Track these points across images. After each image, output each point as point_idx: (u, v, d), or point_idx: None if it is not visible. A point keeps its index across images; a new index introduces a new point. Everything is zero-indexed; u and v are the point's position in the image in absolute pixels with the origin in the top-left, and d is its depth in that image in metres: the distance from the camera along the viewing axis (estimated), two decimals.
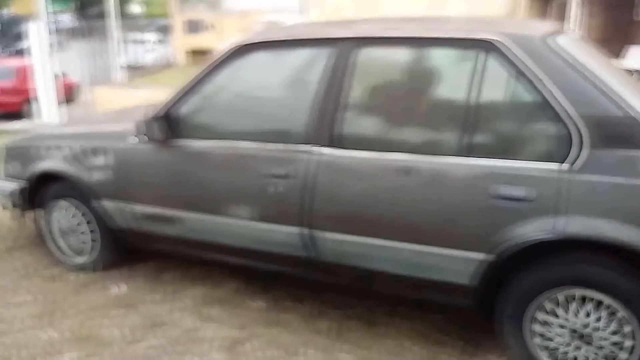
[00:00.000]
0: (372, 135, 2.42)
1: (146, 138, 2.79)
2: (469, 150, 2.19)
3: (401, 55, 2.42)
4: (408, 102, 2.39)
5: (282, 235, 2.53)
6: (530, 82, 2.11)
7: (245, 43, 2.64)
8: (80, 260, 3.32)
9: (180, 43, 17.23)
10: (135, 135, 2.86)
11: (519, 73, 2.13)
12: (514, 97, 2.19)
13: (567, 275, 2.12)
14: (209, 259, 2.95)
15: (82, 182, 3.05)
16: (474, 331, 2.66)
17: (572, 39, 2.40)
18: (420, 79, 2.40)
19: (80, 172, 3.05)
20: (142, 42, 16.26)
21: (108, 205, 3.01)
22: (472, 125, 2.20)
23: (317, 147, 2.43)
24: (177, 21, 17.41)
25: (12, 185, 3.37)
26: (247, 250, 2.70)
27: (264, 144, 2.55)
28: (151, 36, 16.62)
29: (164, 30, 17.72)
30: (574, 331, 2.15)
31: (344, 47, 2.42)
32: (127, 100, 8.83)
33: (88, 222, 3.20)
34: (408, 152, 2.28)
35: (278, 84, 2.70)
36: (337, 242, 2.43)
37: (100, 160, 2.97)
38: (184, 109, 2.75)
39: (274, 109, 2.63)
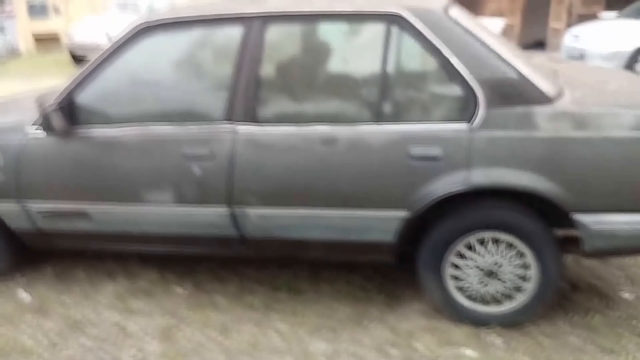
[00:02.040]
0: (291, 109, 2.49)
1: (47, 129, 2.60)
2: (385, 117, 2.36)
3: (313, 29, 2.51)
4: (322, 75, 2.50)
5: (209, 216, 2.53)
6: (432, 50, 2.32)
7: (147, 23, 2.56)
8: None
9: (24, 29, 15.70)
10: (34, 127, 2.67)
11: (422, 42, 2.33)
12: (420, 65, 2.40)
13: (478, 221, 2.38)
14: (128, 250, 2.86)
15: None
16: (393, 285, 2.88)
17: (461, 11, 2.65)
18: (332, 52, 2.52)
19: None
20: None
21: (5, 206, 2.78)
22: (385, 94, 2.36)
23: (237, 125, 2.46)
24: (18, 5, 15.81)
25: None
26: (172, 236, 2.66)
27: (181, 125, 2.51)
28: None
29: (2, 15, 16.05)
30: (486, 270, 2.43)
31: (255, 24, 2.45)
32: None
33: None
34: (327, 123, 2.40)
35: (188, 64, 2.65)
36: (265, 217, 2.49)
37: None
38: (87, 95, 2.60)
39: (187, 89, 2.58)
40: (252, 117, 2.45)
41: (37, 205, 2.73)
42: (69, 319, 2.70)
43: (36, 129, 2.67)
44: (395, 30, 2.35)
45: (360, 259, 2.63)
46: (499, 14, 12.10)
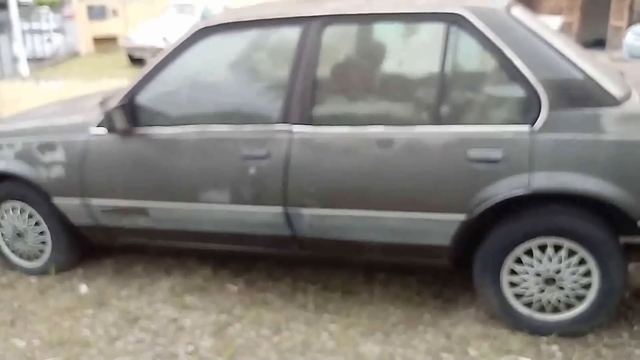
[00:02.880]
0: (348, 110, 2.49)
1: (110, 129, 2.69)
2: (444, 119, 2.32)
3: (371, 30, 2.50)
4: (381, 76, 2.49)
5: (264, 215, 2.56)
6: (494, 51, 2.26)
7: (206, 25, 2.61)
8: (37, 263, 3.16)
9: (84, 31, 16.30)
10: (97, 127, 2.76)
11: (483, 43, 2.28)
12: (481, 66, 2.35)
13: (540, 227, 2.31)
14: (185, 247, 2.92)
15: (36, 181, 2.90)
16: (450, 289, 2.83)
17: (523, 11, 2.58)
18: (390, 53, 2.50)
19: (33, 170, 2.89)
20: (40, 31, 15.30)
21: (68, 202, 2.88)
22: (444, 95, 2.32)
23: (295, 126, 2.47)
24: (79, 7, 16.44)
25: None
26: (227, 235, 2.70)
27: (239, 126, 2.55)
28: (50, 25, 15.64)
29: (63, 17, 16.75)
30: (545, 277, 2.36)
31: (313, 25, 2.45)
32: (36, 96, 8.32)
33: (41, 223, 3.05)
34: (385, 124, 2.38)
35: (246, 66, 2.69)
36: (320, 217, 2.49)
37: (56, 156, 2.83)
38: (148, 96, 2.67)
39: (245, 90, 2.63)
40: (308, 119, 2.45)
41: (98, 202, 2.82)
42: (127, 312, 2.79)
43: (99, 129, 2.76)
44: (455, 30, 2.30)
45: (416, 262, 2.60)
46: (557, 11, 11.75)
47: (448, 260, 2.48)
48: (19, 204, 3.04)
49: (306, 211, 2.49)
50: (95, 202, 2.83)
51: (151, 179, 2.69)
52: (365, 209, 2.42)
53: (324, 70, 2.48)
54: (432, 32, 2.36)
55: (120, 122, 2.62)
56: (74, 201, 2.86)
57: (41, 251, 3.13)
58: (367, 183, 2.39)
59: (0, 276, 3.20)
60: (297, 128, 2.46)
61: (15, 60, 12.58)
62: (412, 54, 2.51)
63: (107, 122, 2.68)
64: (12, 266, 3.22)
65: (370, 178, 2.38)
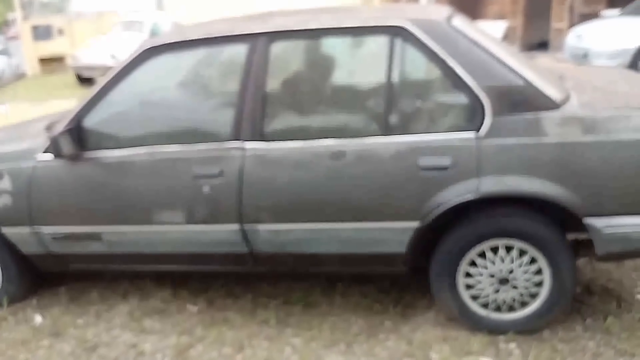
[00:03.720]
0: (298, 125, 2.50)
1: (57, 154, 2.62)
2: (393, 129, 2.36)
3: (317, 45, 2.53)
4: (329, 90, 2.52)
5: (220, 234, 2.54)
6: (437, 61, 2.32)
7: (152, 45, 2.59)
8: None
9: (30, 51, 15.85)
10: (44, 153, 2.69)
11: (426, 54, 2.34)
12: (425, 76, 2.40)
13: (491, 229, 2.37)
14: (142, 270, 2.87)
15: None
16: (408, 295, 2.87)
17: (464, 20, 2.65)
18: (337, 67, 2.53)
19: None
20: None
21: (16, 232, 2.80)
22: (392, 106, 2.37)
23: (246, 142, 2.47)
24: (24, 28, 15.97)
25: None
26: (184, 255, 2.67)
27: (190, 145, 2.53)
28: None
29: (7, 39, 16.29)
30: (500, 277, 2.42)
31: (259, 41, 2.47)
32: None
33: None
34: (336, 137, 2.40)
35: (195, 84, 2.68)
36: (277, 232, 2.49)
37: (2, 185, 2.74)
38: (95, 118, 2.62)
39: (195, 109, 2.62)
40: (259, 135, 2.46)
41: (49, 229, 2.75)
42: (84, 341, 2.71)
43: (46, 155, 2.69)
44: (399, 42, 2.36)
45: (374, 271, 2.63)
46: (500, 16, 12.11)
47: (405, 267, 2.51)
48: None
49: (262, 227, 2.49)
50: (45, 229, 2.75)
51: (103, 203, 2.63)
52: (320, 221, 2.44)
53: (273, 86, 2.49)
54: (378, 44, 2.40)
55: (67, 146, 2.56)
56: (23, 230, 2.78)
57: None
58: (322, 196, 2.41)
59: None
60: (249, 144, 2.46)
61: None
62: (360, 67, 2.55)
63: (54, 147, 2.61)
64: None
65: (324, 191, 2.40)
